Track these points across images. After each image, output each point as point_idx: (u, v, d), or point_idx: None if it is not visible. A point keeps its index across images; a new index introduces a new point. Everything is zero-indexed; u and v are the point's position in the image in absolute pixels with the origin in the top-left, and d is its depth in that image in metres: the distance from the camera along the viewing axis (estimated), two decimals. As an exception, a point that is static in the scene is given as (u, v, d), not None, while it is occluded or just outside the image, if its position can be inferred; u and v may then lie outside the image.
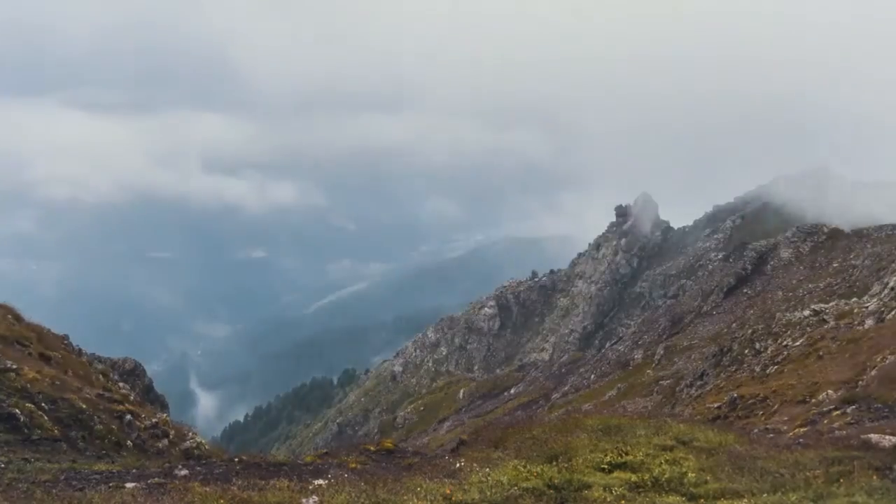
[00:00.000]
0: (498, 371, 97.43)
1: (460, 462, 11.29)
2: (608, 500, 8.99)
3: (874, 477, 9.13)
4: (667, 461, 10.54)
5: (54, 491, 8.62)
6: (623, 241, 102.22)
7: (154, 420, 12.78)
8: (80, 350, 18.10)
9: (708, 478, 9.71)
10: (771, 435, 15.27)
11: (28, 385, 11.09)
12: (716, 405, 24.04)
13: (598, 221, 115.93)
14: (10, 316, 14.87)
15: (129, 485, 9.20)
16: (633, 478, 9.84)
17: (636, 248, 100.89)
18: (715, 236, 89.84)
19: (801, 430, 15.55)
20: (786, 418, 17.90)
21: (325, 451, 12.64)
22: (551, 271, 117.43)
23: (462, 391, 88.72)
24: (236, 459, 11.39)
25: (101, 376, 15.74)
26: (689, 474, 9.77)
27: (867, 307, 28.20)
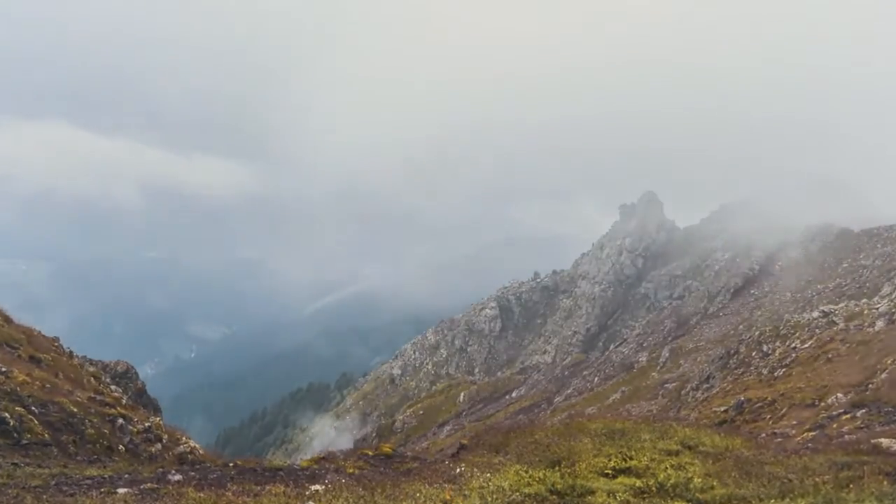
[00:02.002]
0: (499, 374, 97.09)
1: (461, 467, 11.12)
2: (612, 506, 8.81)
3: (884, 482, 9.00)
4: (672, 466, 10.39)
5: (45, 496, 8.47)
6: (627, 240, 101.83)
7: (147, 424, 12.62)
8: (71, 352, 17.96)
9: (714, 483, 9.56)
10: (779, 439, 15.10)
11: (18, 388, 10.94)
12: (722, 409, 23.83)
13: (601, 221, 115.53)
14: (-1, 317, 14.74)
15: (121, 490, 9.04)
16: (638, 483, 9.69)
17: (641, 249, 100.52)
18: (721, 236, 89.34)
19: (810, 434, 15.34)
20: (794, 422, 17.67)
21: (322, 455, 12.46)
22: (554, 272, 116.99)
23: (462, 394, 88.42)
24: (231, 464, 11.24)
25: (92, 379, 15.58)
26: (695, 480, 9.61)
27: (878, 308, 27.89)
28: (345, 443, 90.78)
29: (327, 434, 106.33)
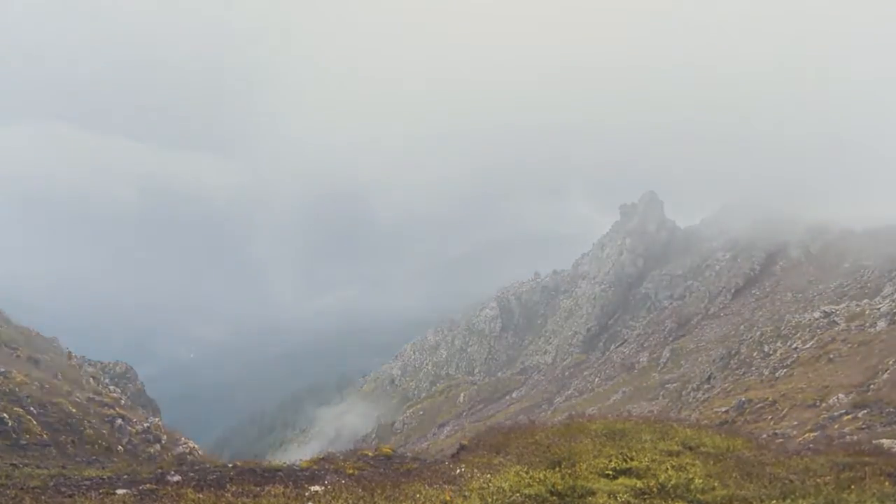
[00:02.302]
0: (499, 374, 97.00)
1: (461, 468, 11.08)
2: (612, 507, 8.77)
3: (886, 483, 8.98)
4: (673, 467, 10.35)
5: (43, 497, 8.46)
6: (628, 240, 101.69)
7: (146, 424, 12.56)
8: (69, 353, 17.85)
9: (715, 484, 9.52)
10: (780, 440, 15.06)
11: (16, 389, 10.88)
12: (723, 409, 23.81)
13: (601, 221, 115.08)
14: (-1, 318, 14.68)
15: (120, 491, 9.03)
16: (639, 484, 9.64)
17: (641, 249, 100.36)
18: (722, 236, 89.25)
19: (811, 434, 15.31)
20: (795, 423, 17.62)
21: (321, 456, 12.44)
22: (554, 272, 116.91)
23: (462, 395, 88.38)
24: (230, 465, 11.22)
25: (91, 380, 15.49)
26: (696, 480, 9.57)
27: (879, 309, 27.89)
28: (344, 444, 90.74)
29: (327, 435, 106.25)
